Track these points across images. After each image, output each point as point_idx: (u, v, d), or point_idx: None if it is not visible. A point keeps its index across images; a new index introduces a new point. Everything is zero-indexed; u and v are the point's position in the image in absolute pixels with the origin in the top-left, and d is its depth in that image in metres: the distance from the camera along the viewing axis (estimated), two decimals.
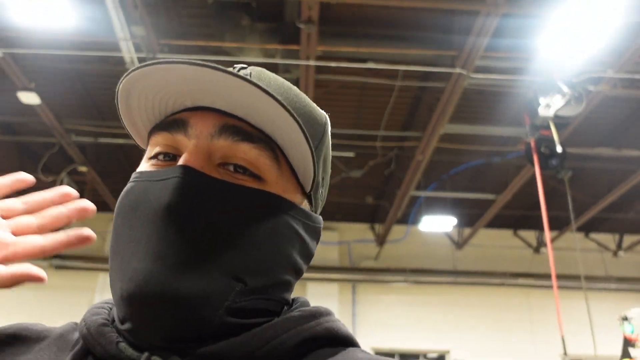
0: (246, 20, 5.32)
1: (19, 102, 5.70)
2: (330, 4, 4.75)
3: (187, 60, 0.53)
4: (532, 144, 5.26)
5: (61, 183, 7.20)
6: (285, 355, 0.54)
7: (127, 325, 0.54)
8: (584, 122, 6.04)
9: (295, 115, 0.54)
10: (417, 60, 5.41)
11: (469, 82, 5.34)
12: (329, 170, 0.71)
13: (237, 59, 5.37)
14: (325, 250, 9.82)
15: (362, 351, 0.59)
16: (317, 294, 9.42)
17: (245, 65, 0.64)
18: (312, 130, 0.62)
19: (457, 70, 5.16)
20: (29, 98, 5.61)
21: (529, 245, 10.21)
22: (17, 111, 6.24)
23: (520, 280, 9.70)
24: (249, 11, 5.27)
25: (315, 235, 0.65)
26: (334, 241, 9.98)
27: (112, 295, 0.57)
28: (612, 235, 10.32)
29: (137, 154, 7.58)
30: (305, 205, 0.63)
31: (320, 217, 0.67)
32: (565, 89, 4.90)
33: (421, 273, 9.72)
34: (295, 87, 0.66)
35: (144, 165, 0.61)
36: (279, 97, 0.54)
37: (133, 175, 0.60)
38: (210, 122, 0.57)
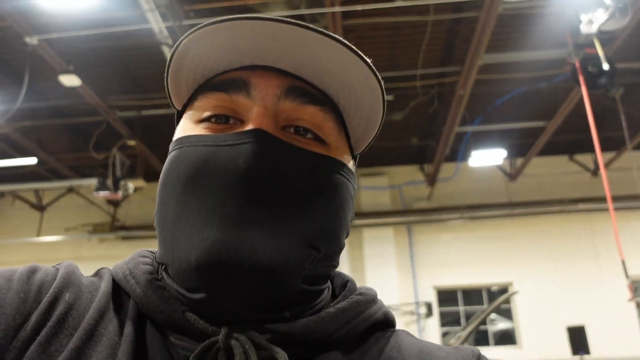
0: None
1: (61, 86, 5.90)
2: None
3: (255, 16, 0.50)
4: (577, 65, 5.00)
5: (113, 159, 7.49)
6: (356, 338, 0.56)
7: (200, 295, 0.51)
8: (632, 34, 5.68)
9: (379, 78, 0.53)
10: None
11: (504, 7, 5.09)
12: None
13: (263, 15, 5.32)
14: (377, 195, 9.86)
15: (407, 333, 0.62)
16: (372, 239, 9.53)
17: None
18: (380, 98, 0.61)
19: None
20: (69, 80, 5.80)
21: (587, 168, 9.87)
22: (61, 94, 6.48)
23: (580, 206, 9.44)
24: None
25: (354, 197, 0.64)
26: (384, 185, 9.99)
27: (175, 264, 0.52)
28: None
29: None
30: (353, 167, 0.63)
31: None
32: (607, 1, 4.59)
33: (476, 209, 9.62)
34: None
35: (192, 128, 0.57)
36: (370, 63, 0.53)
37: (180, 140, 0.57)
38: (275, 82, 0.55)
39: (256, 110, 0.54)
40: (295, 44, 0.52)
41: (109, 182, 7.66)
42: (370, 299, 0.60)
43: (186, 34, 0.54)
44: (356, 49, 0.51)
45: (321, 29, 0.50)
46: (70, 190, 9.79)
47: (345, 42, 0.50)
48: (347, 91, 0.56)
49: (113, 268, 0.63)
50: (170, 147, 0.58)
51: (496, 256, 9.71)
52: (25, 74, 5.26)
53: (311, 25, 0.50)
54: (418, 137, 8.93)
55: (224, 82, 0.56)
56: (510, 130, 8.26)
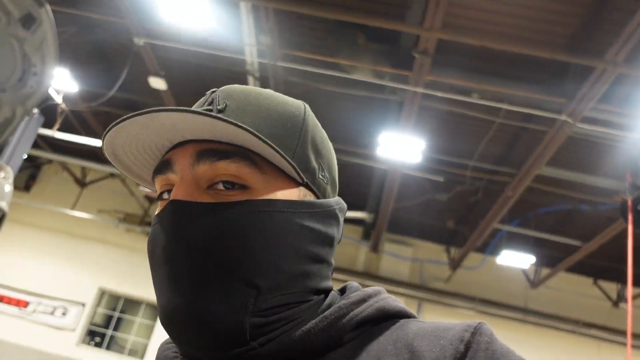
0: (362, 39, 5.60)
1: (147, 86, 6.32)
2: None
3: (142, 111, 0.57)
4: (629, 203, 5.18)
5: None
6: (343, 339, 0.58)
7: (179, 345, 0.61)
8: None
9: (247, 128, 0.56)
10: (523, 101, 5.47)
11: (574, 131, 5.34)
12: (328, 152, 0.71)
13: (346, 76, 5.68)
14: (397, 263, 9.99)
15: (417, 321, 0.62)
16: None
17: (214, 89, 0.67)
18: (288, 124, 0.65)
19: (563, 117, 5.18)
20: (157, 83, 6.22)
21: (609, 297, 9.86)
22: (144, 93, 6.91)
23: (593, 332, 9.41)
24: (366, 31, 5.55)
25: (328, 217, 0.66)
26: (408, 256, 10.12)
27: None
28: None
29: None
30: (304, 195, 0.64)
31: (334, 199, 0.69)
32: None
33: (491, 305, 9.66)
34: (265, 91, 0.69)
35: (157, 207, 0.66)
36: (242, 115, 0.61)
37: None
38: (188, 152, 0.61)
39: (176, 182, 0.61)
40: (185, 123, 0.58)
41: None
42: (355, 300, 0.61)
43: (102, 138, 0.63)
44: (225, 118, 0.55)
45: (196, 110, 0.56)
46: (112, 175, 10.18)
47: (216, 115, 0.56)
48: (242, 141, 0.59)
49: None
50: None
51: None
52: (125, 68, 5.69)
53: (186, 108, 0.57)
54: (454, 221, 9.11)
55: (159, 166, 0.64)
56: (544, 240, 8.39)
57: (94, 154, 9.16)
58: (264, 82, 5.97)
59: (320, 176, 0.68)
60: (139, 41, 5.55)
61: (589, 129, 5.26)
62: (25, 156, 9.66)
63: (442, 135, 6.79)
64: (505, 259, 8.65)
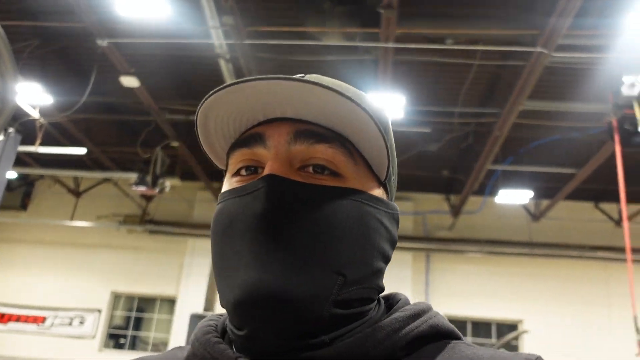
0: (327, 4, 5.52)
1: (120, 85, 6.25)
2: None
3: (257, 77, 0.56)
4: (615, 123, 5.20)
5: (156, 157, 7.84)
6: (396, 353, 0.57)
7: (244, 332, 0.57)
8: None
9: (368, 111, 0.57)
10: (496, 40, 5.43)
11: (551, 61, 5.32)
12: (395, 157, 0.72)
13: (317, 43, 5.62)
14: (401, 219, 10.03)
15: (467, 344, 0.62)
16: (391, 262, 9.68)
17: (302, 75, 0.65)
18: (383, 122, 0.65)
19: (539, 49, 5.15)
20: (129, 81, 6.15)
21: (611, 218, 9.97)
22: (118, 93, 6.84)
23: (599, 254, 9.55)
24: None
25: (395, 221, 0.67)
26: (409, 211, 10.19)
27: (224, 306, 0.59)
28: None
29: None
30: (382, 194, 0.65)
31: (395, 204, 0.69)
32: None
33: (496, 244, 9.78)
34: (352, 87, 0.69)
35: (228, 183, 0.64)
36: (349, 95, 0.57)
37: (220, 195, 0.64)
38: (285, 130, 0.60)
39: (270, 157, 0.60)
40: (292, 95, 0.58)
41: (148, 178, 8.01)
42: (411, 314, 0.61)
43: (201, 102, 0.61)
44: (340, 91, 0.55)
45: (309, 80, 0.56)
46: (106, 180, 10.17)
47: (326, 85, 0.55)
48: (347, 126, 0.60)
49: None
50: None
51: (510, 293, 9.84)
52: (93, 72, 5.62)
53: (298, 77, 0.57)
54: (448, 169, 9.14)
55: (245, 138, 0.63)
56: (540, 172, 8.44)
57: (82, 163, 9.13)
58: (234, 63, 5.91)
59: (393, 179, 0.69)
60: (102, 42, 5.46)
61: (565, 57, 5.24)
62: (14, 175, 9.63)
63: (423, 87, 6.75)
64: (503, 197, 8.72)
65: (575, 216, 10.01)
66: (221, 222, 0.61)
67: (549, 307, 9.68)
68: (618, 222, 9.91)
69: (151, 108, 6.81)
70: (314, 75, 0.66)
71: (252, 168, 0.63)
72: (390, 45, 5.33)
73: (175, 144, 7.69)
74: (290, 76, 0.56)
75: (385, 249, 0.64)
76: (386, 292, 0.69)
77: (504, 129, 6.54)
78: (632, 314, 5.24)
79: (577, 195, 9.30)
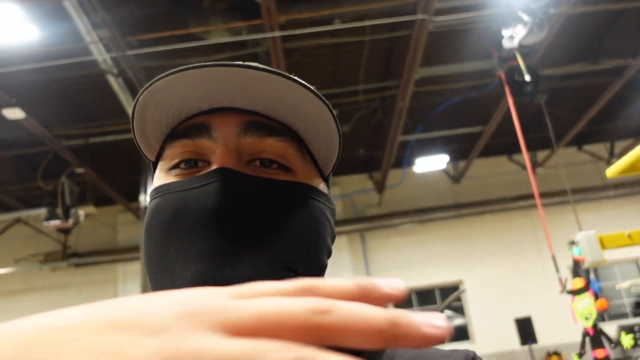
0: (206, 1, 5.40)
1: (5, 119, 5.87)
2: None
3: (208, 64, 0.53)
4: (503, 76, 5.40)
5: (62, 187, 7.44)
6: (341, 351, 0.62)
7: None
8: (553, 43, 6.14)
9: (326, 101, 0.55)
10: (380, 13, 5.50)
11: (433, 25, 5.44)
12: None
13: (205, 43, 5.48)
14: None
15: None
16: None
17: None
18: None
19: (420, 16, 5.25)
20: (13, 113, 5.78)
21: (524, 167, 10.41)
22: (5, 127, 6.42)
23: (521, 203, 9.97)
24: None
25: (334, 217, 0.66)
26: (336, 195, 10.24)
27: None
28: (603, 145, 10.52)
29: (129, 147, 7.81)
30: (324, 188, 0.64)
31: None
32: (526, 17, 4.99)
33: (424, 212, 10.02)
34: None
35: (165, 177, 0.60)
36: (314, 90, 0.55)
37: (155, 190, 0.59)
38: (234, 121, 0.57)
39: (219, 150, 0.56)
40: (245, 84, 0.55)
41: (59, 210, 7.60)
42: None
43: (143, 89, 0.56)
44: (298, 79, 0.54)
45: (265, 67, 0.53)
46: (18, 220, 9.58)
47: (286, 74, 0.54)
48: (301, 119, 0.58)
49: None
50: (149, 198, 0.61)
51: (446, 256, 10.12)
52: None
53: (255, 64, 0.53)
54: (364, 148, 9.24)
55: (186, 128, 0.58)
56: (451, 136, 8.69)
57: None
58: (123, 76, 5.67)
59: (331, 174, 0.67)
60: None
61: (445, 20, 5.37)
62: None
63: (322, 70, 6.76)
64: (421, 166, 8.93)
65: (491, 171, 10.41)
66: (161, 217, 0.56)
67: (484, 263, 10.04)
68: (532, 170, 10.37)
69: (45, 137, 6.45)
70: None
71: (193, 161, 0.58)
72: (276, 34, 5.29)
73: (80, 170, 7.33)
74: (246, 63, 0.52)
75: (329, 244, 0.62)
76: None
77: (406, 99, 6.65)
78: (551, 254, 5.50)
79: (490, 151, 9.67)
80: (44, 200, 7.93)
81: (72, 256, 9.70)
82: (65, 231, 9.48)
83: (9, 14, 4.33)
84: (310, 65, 6.50)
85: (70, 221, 7.72)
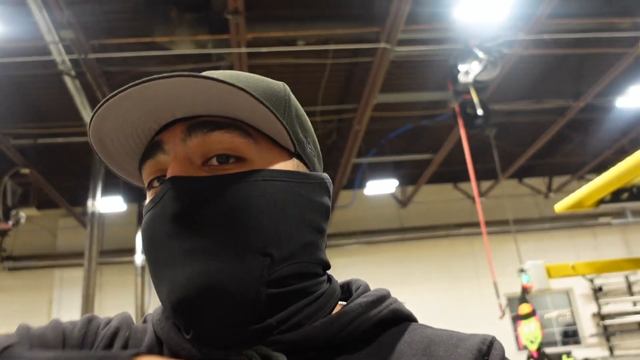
0: (174, 11, 5.41)
1: None
2: None
3: (132, 84, 0.54)
4: (457, 109, 5.65)
5: (4, 187, 7.17)
6: (361, 336, 0.59)
7: (190, 334, 0.57)
8: (505, 80, 6.49)
9: (242, 87, 0.55)
10: (345, 38, 5.67)
11: (394, 55, 5.65)
12: (310, 129, 0.72)
13: (169, 53, 5.48)
14: None
15: (425, 326, 0.65)
16: None
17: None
18: (273, 98, 0.64)
19: (382, 45, 5.45)
20: None
21: (469, 196, 10.83)
22: None
23: (463, 230, 10.34)
24: (177, 2, 5.36)
25: (322, 189, 0.66)
26: None
27: (168, 315, 0.60)
28: (543, 179, 11.08)
29: (79, 150, 7.62)
30: (297, 166, 0.64)
31: (322, 173, 0.69)
32: (481, 55, 5.28)
33: (371, 234, 10.22)
34: (243, 72, 0.68)
35: (148, 196, 0.63)
36: (226, 80, 0.55)
37: (143, 211, 0.63)
38: (178, 129, 0.59)
39: (170, 161, 0.59)
40: (176, 93, 0.56)
41: None
42: (373, 299, 0.63)
43: (88, 129, 0.59)
44: (209, 76, 0.54)
45: (183, 72, 0.54)
46: None
47: (200, 74, 0.54)
48: (235, 108, 0.59)
49: (152, 313, 0.68)
50: None
51: (389, 279, 10.30)
52: None
53: (175, 73, 0.54)
54: None
55: (146, 150, 0.62)
56: (402, 161, 8.96)
57: None
58: (81, 79, 5.58)
59: (309, 149, 0.67)
60: None
61: (406, 50, 5.59)
62: None
63: None
64: (372, 189, 9.14)
65: (438, 198, 10.75)
66: (145, 237, 0.60)
67: (425, 286, 10.29)
68: (474, 199, 10.79)
69: None
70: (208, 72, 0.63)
71: (162, 178, 0.61)
72: (243, 50, 5.35)
73: (25, 170, 7.08)
74: (165, 74, 0.53)
75: (314, 219, 0.62)
76: None
77: (362, 123, 6.84)
78: (493, 280, 5.74)
79: (438, 178, 10.00)
80: None
81: (8, 259, 9.29)
82: (3, 233, 9.08)
83: None
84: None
85: (10, 223, 7.43)
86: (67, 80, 5.61)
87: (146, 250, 0.60)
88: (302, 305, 0.59)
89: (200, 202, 0.56)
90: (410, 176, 9.76)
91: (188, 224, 0.55)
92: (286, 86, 0.71)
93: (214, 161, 0.59)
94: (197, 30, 5.39)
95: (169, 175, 0.57)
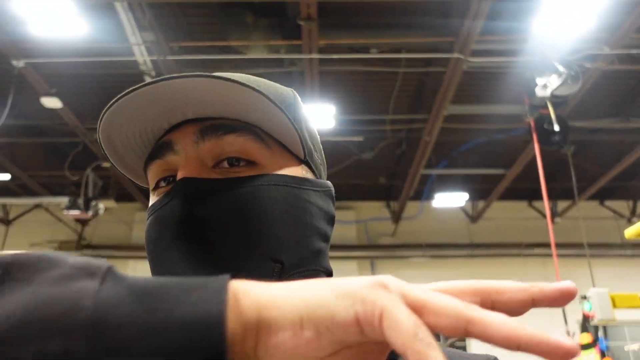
0: (250, 17, 5.53)
1: (42, 107, 6.06)
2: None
3: (147, 82, 0.54)
4: (532, 124, 5.42)
5: (87, 179, 7.61)
6: None
7: None
8: (587, 96, 6.16)
9: (259, 89, 0.55)
10: (418, 47, 5.58)
11: (468, 65, 5.50)
12: (317, 136, 0.71)
13: (244, 57, 5.62)
14: (343, 228, 10.12)
15: None
16: (337, 272, 9.50)
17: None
18: (287, 103, 0.64)
19: (455, 55, 5.32)
20: (51, 102, 5.97)
21: (544, 215, 10.32)
22: (42, 115, 6.62)
23: (536, 250, 9.88)
24: (252, 8, 5.49)
25: (328, 197, 0.66)
26: (351, 220, 10.26)
27: None
28: (626, 203, 10.40)
29: None
30: (306, 173, 0.64)
31: (327, 181, 0.68)
32: (561, 69, 5.03)
33: (438, 247, 9.98)
34: (253, 76, 0.67)
35: (152, 199, 0.62)
36: (241, 81, 0.55)
37: (147, 211, 0.62)
38: (190, 130, 0.59)
39: (181, 161, 0.58)
40: (191, 94, 0.56)
41: (80, 201, 7.75)
42: None
43: (98, 125, 0.59)
44: (226, 77, 0.54)
45: (201, 73, 0.54)
46: (38, 206, 9.78)
47: (214, 74, 0.54)
48: (249, 111, 0.58)
49: None
50: None
51: None
52: (10, 94, 5.42)
53: (192, 73, 0.54)
54: (385, 177, 9.28)
55: (155, 150, 0.61)
56: (473, 175, 8.69)
57: (8, 190, 8.77)
58: None
59: (316, 156, 0.68)
60: (18, 63, 5.29)
61: (481, 61, 5.43)
62: None
63: (352, 97, 6.84)
64: (440, 201, 8.93)
65: (510, 215, 10.34)
66: (150, 237, 0.59)
67: None
68: (552, 219, 10.29)
69: (77, 129, 6.62)
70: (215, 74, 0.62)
71: (170, 178, 0.61)
72: (314, 56, 5.40)
73: (106, 164, 7.48)
74: (179, 74, 0.53)
75: (321, 227, 0.62)
76: None
77: (432, 134, 6.70)
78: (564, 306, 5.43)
79: (511, 194, 9.62)
80: (67, 189, 8.10)
81: (86, 247, 9.85)
82: (83, 222, 9.65)
83: (62, 7, 4.51)
84: (342, 90, 6.59)
85: (90, 213, 7.86)
86: (148, 79, 5.87)
87: (152, 251, 0.59)
88: None
89: (211, 205, 0.55)
90: (481, 191, 9.44)
91: (199, 225, 0.54)
92: (295, 92, 0.70)
93: (225, 164, 0.59)
94: (271, 35, 5.49)
95: (180, 176, 0.57)
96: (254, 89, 0.55)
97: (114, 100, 0.55)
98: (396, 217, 9.90)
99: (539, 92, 5.19)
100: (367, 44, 5.67)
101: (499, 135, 7.23)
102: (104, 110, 0.57)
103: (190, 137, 0.59)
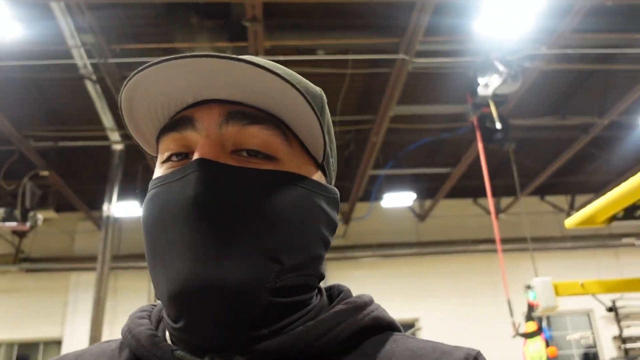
0: (195, 18, 5.44)
1: None
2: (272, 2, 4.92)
3: (185, 55, 0.53)
4: (475, 122, 5.57)
5: (24, 189, 7.27)
6: (340, 346, 0.56)
7: (181, 324, 0.54)
8: (526, 95, 6.39)
9: (299, 88, 0.55)
10: (363, 49, 5.64)
11: (413, 66, 5.60)
12: (334, 142, 0.71)
13: (188, 53, 5.51)
14: None
15: (408, 336, 0.62)
16: None
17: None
18: (316, 102, 0.63)
19: (401, 56, 5.41)
20: None
21: (488, 212, 10.65)
22: None
23: (482, 246, 10.16)
24: (197, 9, 5.40)
25: (335, 205, 0.65)
26: None
27: (160, 298, 0.56)
28: (565, 197, 10.86)
29: (99, 154, 7.68)
30: (320, 177, 0.63)
31: (335, 188, 0.67)
32: (502, 68, 5.20)
33: (387, 247, 10.11)
34: (285, 68, 0.66)
35: (159, 171, 0.61)
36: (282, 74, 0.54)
37: (151, 182, 0.61)
38: (216, 111, 0.58)
39: (200, 140, 0.57)
40: (226, 75, 0.55)
41: (17, 212, 7.40)
42: (355, 306, 0.60)
43: (126, 81, 0.57)
44: (271, 68, 0.54)
45: (244, 57, 0.54)
46: None
47: (260, 62, 0.54)
48: (281, 107, 0.58)
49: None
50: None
51: (405, 293, 10.18)
52: None
53: (234, 56, 0.54)
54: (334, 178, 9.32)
55: (174, 122, 0.59)
56: (420, 174, 8.86)
57: None
58: (101, 83, 5.64)
59: (331, 161, 0.67)
60: None
61: (425, 62, 5.54)
62: None
63: None
64: (388, 201, 9.05)
65: (457, 213, 10.60)
66: (152, 210, 0.57)
67: (441, 302, 10.13)
68: (495, 215, 10.61)
69: (12, 136, 6.31)
70: (250, 57, 0.60)
71: (183, 154, 0.59)
72: (261, 58, 5.35)
73: (45, 173, 7.17)
74: (221, 54, 0.52)
75: (325, 234, 0.62)
76: None
77: (379, 135, 6.78)
78: (506, 298, 5.61)
79: (457, 193, 9.86)
80: (2, 200, 7.71)
81: (25, 260, 9.40)
82: (21, 234, 9.21)
83: None
84: None
85: (28, 224, 7.51)
86: (88, 84, 5.68)
87: (152, 225, 0.57)
88: (295, 319, 0.57)
89: (226, 191, 0.54)
90: (428, 190, 9.64)
91: (208, 211, 0.53)
92: (323, 92, 0.70)
93: (244, 153, 0.58)
94: (217, 37, 5.42)
95: (198, 155, 0.55)
96: (293, 85, 0.54)
97: (145, 65, 0.54)
98: (346, 218, 9.96)
99: (481, 91, 5.35)
100: (314, 46, 5.68)
101: (444, 135, 7.40)
102: (132, 73, 0.55)
103: (215, 118, 0.58)
